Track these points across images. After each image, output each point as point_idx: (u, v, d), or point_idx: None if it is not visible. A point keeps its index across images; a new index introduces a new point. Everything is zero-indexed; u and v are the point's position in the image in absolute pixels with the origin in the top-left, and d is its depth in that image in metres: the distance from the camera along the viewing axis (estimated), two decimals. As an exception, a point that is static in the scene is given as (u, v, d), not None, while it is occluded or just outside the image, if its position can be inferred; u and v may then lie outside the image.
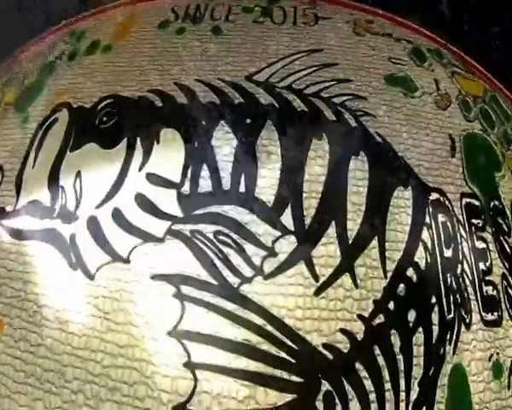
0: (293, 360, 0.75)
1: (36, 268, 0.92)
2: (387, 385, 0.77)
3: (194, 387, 0.74)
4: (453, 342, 0.83)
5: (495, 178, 1.08)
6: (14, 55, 1.52)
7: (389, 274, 0.82)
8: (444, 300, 0.85)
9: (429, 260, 0.85)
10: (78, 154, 0.96)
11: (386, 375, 0.77)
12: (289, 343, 0.75)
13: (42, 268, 0.90)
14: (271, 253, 0.78)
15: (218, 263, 0.77)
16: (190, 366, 0.74)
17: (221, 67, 1.05)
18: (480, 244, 0.94)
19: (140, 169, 0.89)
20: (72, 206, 0.89)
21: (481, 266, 0.92)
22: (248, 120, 0.91)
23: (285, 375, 0.74)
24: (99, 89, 1.08)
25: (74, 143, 0.98)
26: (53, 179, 0.95)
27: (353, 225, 0.83)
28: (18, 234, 0.95)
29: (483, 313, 0.89)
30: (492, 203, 1.02)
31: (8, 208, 0.99)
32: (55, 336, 0.84)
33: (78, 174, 0.91)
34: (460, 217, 0.94)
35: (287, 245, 0.79)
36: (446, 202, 0.93)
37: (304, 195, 0.84)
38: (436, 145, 1.01)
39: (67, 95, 1.11)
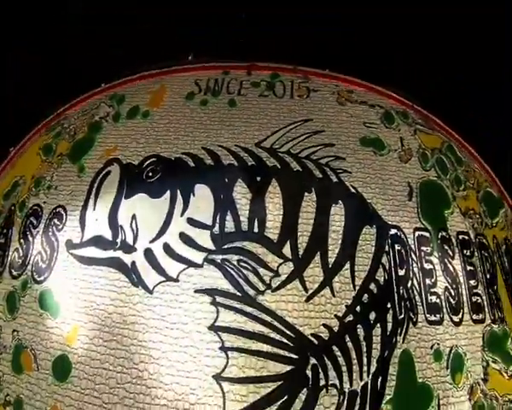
0: (291, 344, 1.32)
1: (102, 286, 1.50)
2: (354, 361, 1.33)
3: (227, 363, 1.30)
4: (403, 334, 1.39)
5: (444, 214, 1.64)
6: (57, 111, 2.08)
7: (357, 287, 1.39)
8: (396, 305, 1.41)
9: (386, 277, 1.42)
10: (132, 201, 1.53)
11: (353, 354, 1.33)
12: (288, 333, 1.32)
13: (108, 286, 1.48)
14: (276, 274, 1.36)
15: (241, 281, 1.34)
16: (224, 348, 1.31)
17: (237, 135, 1.61)
18: (427, 265, 1.50)
19: (181, 215, 1.46)
20: (130, 240, 1.47)
21: (427, 281, 1.49)
22: (258, 178, 1.48)
23: (286, 353, 1.31)
24: (143, 149, 1.66)
25: (127, 193, 1.55)
26: (112, 220, 1.52)
27: (332, 254, 1.40)
28: (85, 261, 1.53)
29: (427, 315, 1.45)
30: (440, 234, 1.57)
31: (75, 241, 1.57)
32: (123, 334, 1.42)
33: (134, 217, 1.49)
34: (412, 246, 1.50)
35: (287, 268, 1.37)
36: (402, 236, 1.49)
37: (298, 233, 1.41)
38: (397, 192, 1.56)
39: (117, 152, 1.68)
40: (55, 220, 1.75)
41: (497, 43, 2.78)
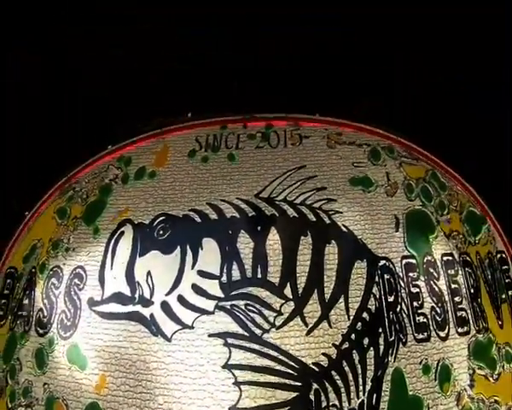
0: (295, 373, 1.61)
1: (125, 338, 1.80)
2: (351, 382, 1.61)
3: (240, 395, 1.60)
4: (394, 354, 1.67)
5: (429, 239, 1.91)
6: (66, 175, 2.33)
7: (351, 317, 1.67)
8: (387, 329, 1.69)
9: (377, 305, 1.70)
10: (146, 259, 1.82)
11: (350, 377, 1.62)
12: (292, 364, 1.61)
13: (130, 338, 1.78)
14: (279, 313, 1.66)
15: (248, 323, 1.64)
16: (237, 383, 1.61)
17: (237, 189, 1.90)
18: (414, 289, 1.78)
19: (192, 268, 1.75)
20: (148, 295, 1.76)
21: (415, 303, 1.76)
22: (259, 228, 1.77)
23: (291, 382, 1.60)
24: (152, 208, 1.94)
25: (141, 251, 1.84)
26: (129, 277, 1.80)
27: (328, 290, 1.69)
28: (107, 316, 1.81)
29: (415, 334, 1.72)
30: (426, 258, 1.85)
31: (96, 298, 1.87)
32: (147, 379, 1.74)
33: (149, 273, 1.78)
34: (400, 273, 1.78)
35: (288, 307, 1.66)
36: (391, 265, 1.77)
37: (297, 274, 1.70)
38: (384, 225, 1.84)
39: (128, 213, 1.95)
40: (76, 280, 2.02)
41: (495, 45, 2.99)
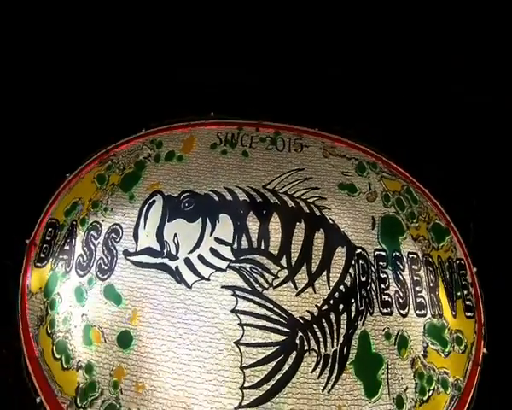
0: (285, 322, 2.27)
1: (154, 283, 2.42)
2: (327, 335, 2.26)
3: (243, 333, 2.22)
4: (362, 320, 2.32)
5: (399, 239, 2.59)
6: (106, 149, 2.94)
7: (331, 288, 2.33)
8: (358, 300, 2.34)
9: (352, 282, 2.35)
10: (173, 223, 2.53)
11: (327, 331, 2.26)
12: (283, 315, 2.26)
13: (158, 283, 2.43)
14: (276, 277, 2.34)
15: (252, 281, 2.31)
16: (241, 324, 2.25)
17: (249, 179, 2.60)
18: (382, 275, 2.43)
19: (210, 235, 2.42)
20: (174, 252, 2.43)
21: (382, 285, 2.41)
22: (264, 211, 2.43)
23: (282, 328, 2.27)
24: (180, 185, 2.66)
25: (170, 217, 2.55)
26: (159, 236, 2.51)
27: (314, 265, 2.35)
28: (140, 265, 2.49)
29: (381, 308, 2.37)
30: (395, 253, 2.50)
31: (131, 250, 2.52)
32: (171, 315, 2.40)
33: (176, 235, 2.47)
34: (372, 261, 2.43)
35: (283, 274, 2.34)
36: (365, 254, 2.43)
37: (291, 250, 2.38)
38: (363, 223, 2.50)
39: (159, 186, 2.66)
40: (113, 234, 2.64)
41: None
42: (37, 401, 2.44)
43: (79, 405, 2.37)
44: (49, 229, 2.79)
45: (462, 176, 3.17)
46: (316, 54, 3.46)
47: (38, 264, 2.70)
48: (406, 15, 3.60)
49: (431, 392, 2.44)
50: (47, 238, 2.77)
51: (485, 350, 2.61)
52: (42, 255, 2.72)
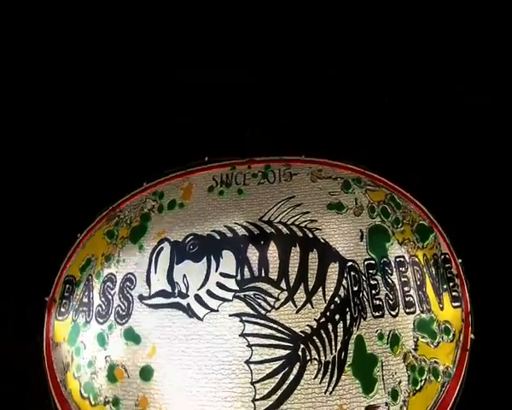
0: (288, 338, 2.63)
1: (169, 320, 2.82)
2: (326, 343, 2.61)
3: (251, 353, 2.60)
4: (357, 326, 2.67)
5: (386, 246, 2.92)
6: (112, 207, 3.30)
7: (327, 301, 2.69)
8: (352, 308, 2.68)
9: (345, 293, 2.71)
10: (181, 265, 2.89)
11: (325, 340, 2.62)
12: (286, 332, 2.63)
13: (173, 320, 2.81)
14: (277, 299, 2.72)
15: (256, 306, 2.67)
16: (249, 345, 2.62)
17: (245, 214, 2.96)
18: (373, 282, 2.78)
19: (216, 271, 2.80)
20: (184, 290, 2.81)
21: (373, 291, 2.76)
22: (262, 242, 2.82)
23: (286, 343, 2.63)
24: (184, 230, 3.02)
25: (177, 260, 2.92)
26: (170, 279, 2.88)
27: (310, 283, 2.71)
28: (154, 307, 2.87)
29: (373, 312, 2.72)
30: (383, 260, 2.85)
31: (145, 294, 2.91)
32: (186, 345, 2.80)
33: (185, 275, 2.85)
34: (363, 270, 2.78)
35: (283, 295, 2.71)
36: (355, 265, 2.78)
37: (289, 273, 2.75)
38: (352, 237, 2.86)
39: (165, 233, 3.03)
40: (128, 283, 3.03)
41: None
42: None
43: (109, 436, 2.69)
44: (67, 285, 3.17)
45: (448, 174, 3.54)
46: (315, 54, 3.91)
47: (60, 318, 3.08)
48: (406, 15, 3.98)
49: (423, 382, 2.78)
50: (65, 294, 3.14)
51: (472, 336, 2.91)
52: (62, 310, 3.09)
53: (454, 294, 3.02)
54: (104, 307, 3.04)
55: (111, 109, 3.86)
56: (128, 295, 3.03)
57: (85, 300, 3.10)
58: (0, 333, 3.25)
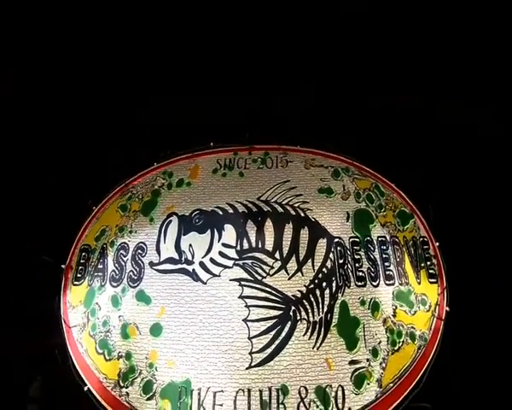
0: (281, 300, 3.05)
1: (176, 284, 3.22)
2: (314, 306, 3.01)
3: (249, 313, 2.98)
4: (341, 293, 3.09)
5: (369, 227, 3.35)
6: (124, 184, 3.72)
7: (315, 270, 3.10)
8: (338, 278, 3.10)
9: (332, 264, 3.11)
10: (188, 236, 3.33)
11: (314, 303, 3.03)
12: (279, 295, 3.09)
13: (180, 283, 3.21)
14: (272, 267, 3.14)
15: (254, 273, 3.09)
16: (247, 306, 3.08)
17: (245, 194, 3.41)
18: (356, 256, 3.20)
19: (218, 241, 3.20)
20: (190, 258, 3.23)
21: (356, 264, 3.18)
22: (259, 218, 3.22)
23: (279, 305, 3.06)
24: (190, 205, 3.48)
25: (184, 232, 3.35)
26: (177, 247, 3.32)
27: (301, 255, 3.12)
28: (164, 272, 3.28)
29: (356, 282, 3.15)
30: (366, 238, 3.26)
31: (155, 261, 3.32)
32: (192, 306, 3.19)
33: (190, 245, 3.27)
34: (348, 246, 3.19)
35: (277, 264, 3.15)
36: (342, 241, 3.20)
37: (283, 245, 3.16)
38: (339, 218, 3.28)
39: (174, 208, 3.48)
40: (139, 251, 3.40)
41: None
42: (85, 389, 3.09)
43: (122, 385, 3.09)
44: (83, 253, 3.55)
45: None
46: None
47: (76, 283, 3.45)
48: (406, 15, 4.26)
49: (401, 343, 3.12)
50: (81, 261, 3.51)
51: (447, 308, 3.23)
52: (78, 275, 3.47)
53: (431, 271, 3.38)
54: (118, 273, 3.40)
55: (132, 95, 4.27)
56: (140, 261, 3.41)
57: (100, 266, 3.47)
58: (21, 298, 3.58)
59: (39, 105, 4.30)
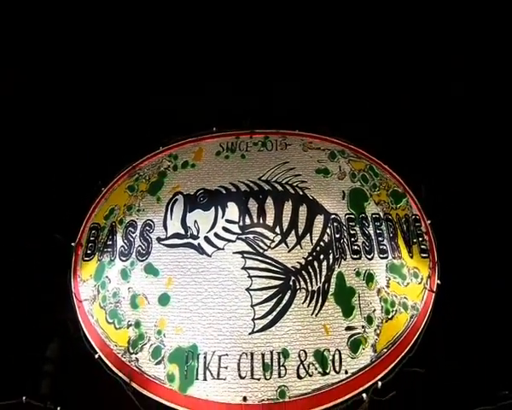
0: (281, 271, 3.25)
1: (182, 257, 3.42)
2: (313, 277, 3.19)
3: (251, 282, 3.18)
4: (338, 264, 3.30)
5: (364, 205, 3.56)
6: (131, 165, 3.93)
7: (313, 244, 3.28)
8: (335, 251, 3.29)
9: (329, 238, 3.31)
10: (193, 213, 3.53)
11: (312, 274, 3.23)
12: (280, 266, 3.30)
13: (186, 256, 3.41)
14: (272, 241, 3.35)
15: (255, 246, 3.28)
16: (250, 276, 3.29)
17: (247, 175, 3.62)
18: (352, 231, 3.40)
19: (222, 217, 3.39)
20: (195, 233, 3.43)
21: (352, 239, 3.36)
22: (260, 196, 3.43)
23: (279, 275, 3.26)
24: (195, 185, 3.69)
25: (190, 209, 3.55)
26: (183, 224, 3.53)
27: (300, 229, 3.32)
28: (170, 246, 3.50)
29: (352, 255, 3.35)
30: (361, 215, 3.46)
31: (162, 236, 3.52)
32: (197, 276, 3.41)
33: (196, 221, 3.47)
34: (344, 222, 3.37)
35: (278, 238, 3.35)
36: (338, 218, 3.40)
37: (283, 221, 3.36)
38: (335, 196, 3.48)
39: (179, 188, 3.70)
40: (147, 228, 3.59)
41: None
42: (97, 356, 3.27)
43: (132, 351, 3.29)
44: (93, 231, 3.75)
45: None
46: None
47: (86, 258, 3.64)
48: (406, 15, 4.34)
49: (394, 312, 3.31)
50: (91, 238, 3.70)
51: (439, 281, 3.43)
52: (88, 252, 3.66)
53: (422, 247, 3.58)
54: (126, 248, 3.59)
55: (144, 86, 4.38)
56: (147, 237, 3.60)
57: (109, 242, 3.66)
58: (35, 274, 3.69)
59: (41, 99, 4.38)
